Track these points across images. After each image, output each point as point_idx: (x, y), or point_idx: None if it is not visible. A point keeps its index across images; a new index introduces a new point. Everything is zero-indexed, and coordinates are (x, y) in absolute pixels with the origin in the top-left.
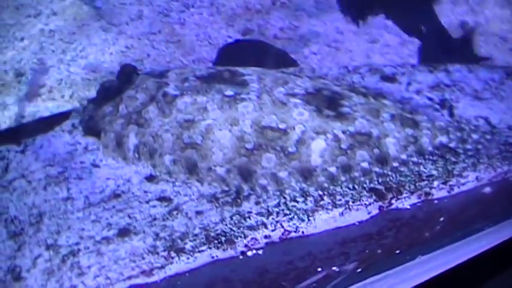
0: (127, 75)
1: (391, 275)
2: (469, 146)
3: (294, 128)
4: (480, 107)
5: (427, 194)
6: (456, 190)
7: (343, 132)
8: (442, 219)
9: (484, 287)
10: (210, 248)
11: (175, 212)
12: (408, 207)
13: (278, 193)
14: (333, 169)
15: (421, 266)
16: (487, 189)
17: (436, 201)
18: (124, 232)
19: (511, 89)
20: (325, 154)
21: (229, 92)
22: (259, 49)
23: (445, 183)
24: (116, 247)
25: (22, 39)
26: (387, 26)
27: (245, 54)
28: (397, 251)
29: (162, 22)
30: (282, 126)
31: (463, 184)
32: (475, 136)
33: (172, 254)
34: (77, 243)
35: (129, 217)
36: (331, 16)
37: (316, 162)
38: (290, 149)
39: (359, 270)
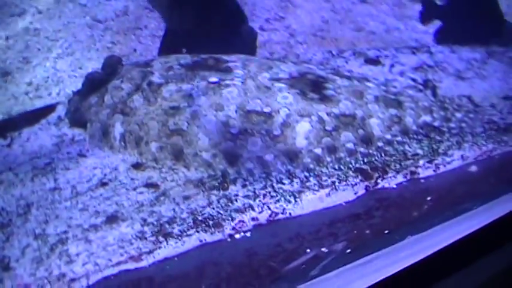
0: (112, 66)
1: (381, 256)
2: (453, 125)
3: (278, 112)
4: (463, 86)
5: (413, 173)
6: (442, 169)
7: (328, 114)
8: (429, 198)
9: (475, 266)
10: (198, 232)
11: (162, 198)
12: (395, 186)
13: (264, 176)
14: (318, 150)
15: (411, 246)
16: (473, 168)
17: (422, 180)
18: (112, 219)
19: (492, 69)
20: (310, 136)
21: (213, 79)
22: None
23: (430, 162)
24: (104, 234)
25: (7, 38)
26: (372, 14)
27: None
28: (386, 231)
29: (147, 17)
30: (266, 110)
31: (449, 163)
32: (458, 115)
33: (161, 238)
34: (65, 232)
35: (117, 204)
36: (316, 6)
37: (302, 144)
38: (275, 132)
39: (348, 251)
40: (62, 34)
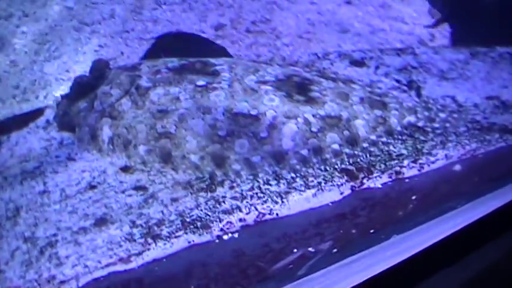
0: (100, 70)
1: (368, 255)
2: (437, 125)
3: (265, 114)
4: (447, 86)
5: (398, 172)
6: (426, 168)
7: (314, 115)
8: (414, 197)
9: (460, 264)
10: (186, 233)
11: (150, 200)
12: (380, 186)
13: (251, 177)
14: (304, 152)
15: (397, 245)
16: (457, 167)
17: (407, 180)
18: (101, 221)
19: (476, 69)
20: (296, 137)
21: (201, 82)
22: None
23: (415, 161)
24: (93, 236)
25: None
26: (357, 16)
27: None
28: (372, 231)
29: (134, 20)
30: (253, 112)
31: (433, 162)
32: (442, 115)
33: (149, 240)
34: (55, 235)
35: (106, 207)
36: (302, 8)
37: (288, 146)
38: (262, 134)
39: (335, 250)
40: (49, 37)
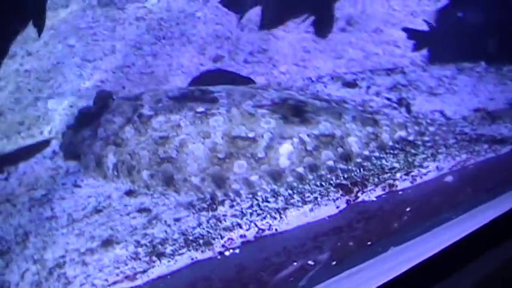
0: (103, 100)
1: (366, 268)
2: (427, 138)
3: (262, 136)
4: (435, 102)
5: (391, 185)
6: (419, 180)
7: (308, 135)
8: (408, 209)
9: (458, 275)
10: (189, 251)
11: (154, 221)
12: (374, 199)
13: (251, 196)
14: (300, 169)
15: (394, 257)
16: (449, 178)
17: (400, 192)
18: (107, 243)
19: (462, 83)
20: (292, 156)
21: (200, 109)
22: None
23: (407, 174)
24: (100, 257)
25: None
26: (351, 42)
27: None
28: (368, 243)
29: (135, 55)
30: (251, 135)
31: (425, 174)
32: (431, 128)
33: (154, 258)
34: (63, 256)
35: (111, 229)
36: (298, 37)
37: (285, 165)
38: (260, 155)
39: (334, 262)
40: (52, 74)
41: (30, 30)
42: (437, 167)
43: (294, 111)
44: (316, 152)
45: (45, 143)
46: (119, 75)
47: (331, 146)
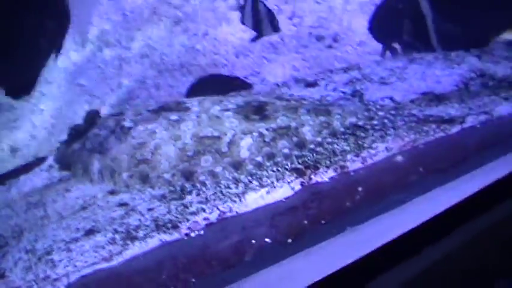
0: (91, 118)
1: (324, 247)
2: (375, 122)
3: (226, 134)
4: (386, 89)
5: (343, 167)
6: (369, 161)
7: (267, 129)
8: (360, 189)
9: (420, 258)
10: (158, 234)
11: (131, 212)
12: (327, 180)
13: (215, 185)
14: (259, 158)
15: (351, 237)
16: (399, 158)
17: (352, 173)
18: (89, 232)
19: (412, 72)
20: (252, 148)
21: (174, 117)
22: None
23: (357, 155)
24: (82, 243)
25: (15, 120)
26: (337, 56)
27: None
28: (323, 221)
29: (139, 88)
30: (216, 134)
31: (375, 155)
32: (381, 113)
33: (128, 242)
34: (50, 246)
35: (94, 221)
36: (288, 58)
37: (245, 155)
38: (223, 150)
39: (289, 240)
40: (64, 112)
41: (45, 72)
42: (386, 148)
43: (255, 110)
44: (273, 142)
45: (42, 159)
46: (125, 107)
47: (286, 136)
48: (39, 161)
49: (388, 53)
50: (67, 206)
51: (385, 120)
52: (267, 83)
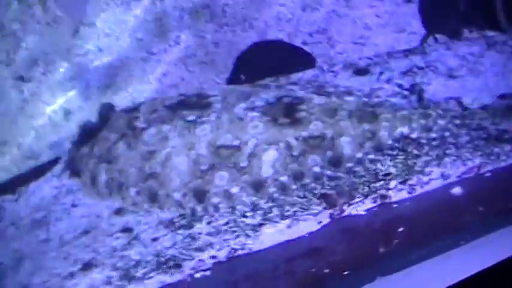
0: (105, 113)
1: None
2: (434, 135)
3: (247, 143)
4: (453, 86)
5: (384, 196)
6: (418, 190)
7: (296, 138)
8: (401, 229)
9: None
10: (159, 274)
11: (134, 242)
12: (363, 213)
13: (229, 210)
14: (284, 178)
15: None
16: (457, 190)
17: (395, 206)
18: (87, 266)
19: (490, 62)
20: (276, 164)
21: (191, 117)
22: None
23: (404, 182)
24: (77, 281)
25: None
26: (415, 14)
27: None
28: (346, 272)
29: (197, 45)
30: (235, 143)
31: (426, 183)
32: (442, 121)
33: (125, 282)
34: (45, 282)
35: (94, 251)
36: (361, 13)
37: (267, 174)
38: (242, 164)
39: None
40: (118, 70)
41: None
42: (442, 174)
43: (286, 110)
44: (303, 157)
45: (55, 161)
46: (180, 66)
47: (319, 149)
48: (51, 164)
49: (431, 38)
50: (70, 227)
51: (446, 133)
52: (334, 43)
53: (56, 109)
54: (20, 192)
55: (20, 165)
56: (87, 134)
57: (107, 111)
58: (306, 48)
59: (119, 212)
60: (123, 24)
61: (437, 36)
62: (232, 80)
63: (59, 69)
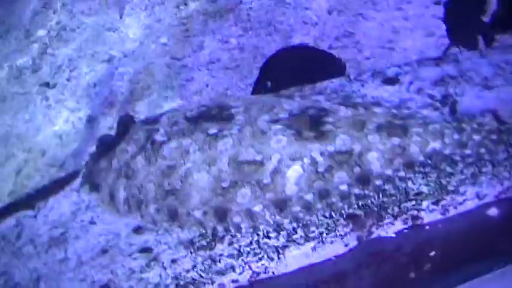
0: (124, 126)
1: None
2: (468, 152)
3: (270, 158)
4: (488, 98)
5: (415, 218)
6: (452, 212)
7: (322, 153)
8: (433, 253)
9: None
10: None
11: (152, 263)
12: (392, 235)
13: (251, 230)
14: (309, 196)
15: None
16: (493, 211)
17: (427, 227)
18: None
19: None
20: (301, 181)
21: (212, 130)
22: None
23: (437, 202)
24: None
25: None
26: None
27: (289, 65)
28: None
29: (221, 50)
30: (258, 158)
31: (461, 203)
32: (477, 137)
33: None
34: None
35: (111, 273)
36: (388, 15)
37: (292, 191)
38: (265, 181)
39: None
40: (142, 76)
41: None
42: (477, 194)
43: (311, 123)
44: (329, 174)
45: (75, 174)
46: (204, 72)
47: (346, 165)
48: (71, 177)
49: (453, 49)
50: (88, 245)
51: (482, 150)
52: (361, 47)
53: (81, 116)
54: (39, 207)
55: (44, 173)
56: (104, 146)
57: (126, 123)
58: (333, 52)
59: (137, 230)
60: (147, 29)
61: (461, 46)
62: (258, 87)
63: (84, 76)
